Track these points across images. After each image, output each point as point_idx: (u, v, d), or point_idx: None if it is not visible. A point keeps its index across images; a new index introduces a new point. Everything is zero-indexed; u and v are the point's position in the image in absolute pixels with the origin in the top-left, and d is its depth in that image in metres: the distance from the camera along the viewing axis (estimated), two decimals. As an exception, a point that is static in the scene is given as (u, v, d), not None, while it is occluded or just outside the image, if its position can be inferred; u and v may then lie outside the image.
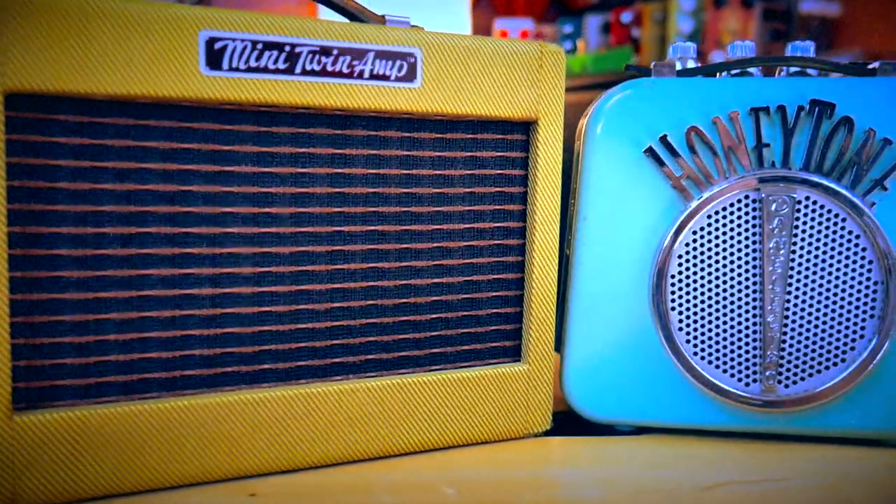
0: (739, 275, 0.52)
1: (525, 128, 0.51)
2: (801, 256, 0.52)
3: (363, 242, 0.47)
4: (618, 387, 0.54)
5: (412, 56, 0.47)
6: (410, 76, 0.47)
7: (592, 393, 0.54)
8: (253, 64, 0.43)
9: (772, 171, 0.51)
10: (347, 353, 0.48)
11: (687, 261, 0.53)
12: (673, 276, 0.53)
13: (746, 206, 0.52)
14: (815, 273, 0.52)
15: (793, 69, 0.54)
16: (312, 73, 0.44)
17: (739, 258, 0.52)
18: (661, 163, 0.52)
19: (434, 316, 0.50)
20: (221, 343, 0.44)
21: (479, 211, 0.51)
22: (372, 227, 0.48)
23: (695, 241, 0.52)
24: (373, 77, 0.46)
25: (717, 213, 0.52)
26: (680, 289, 0.53)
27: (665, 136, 0.52)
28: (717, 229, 0.52)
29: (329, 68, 0.45)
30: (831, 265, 0.51)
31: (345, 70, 0.45)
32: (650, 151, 0.53)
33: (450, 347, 0.51)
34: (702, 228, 0.52)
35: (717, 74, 0.55)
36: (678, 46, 0.57)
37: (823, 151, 0.51)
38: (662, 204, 0.53)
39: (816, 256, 0.51)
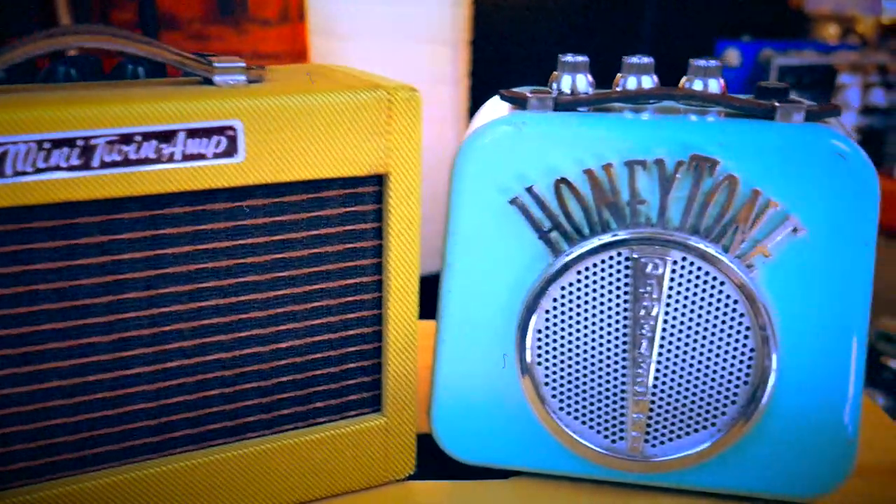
0: (609, 333, 0.49)
1: (376, 180, 0.47)
2: (674, 319, 0.48)
3: (189, 320, 0.45)
4: (485, 433, 0.52)
5: (231, 129, 0.42)
6: (231, 151, 0.43)
7: (460, 436, 0.53)
8: (41, 165, 0.39)
9: (647, 231, 0.47)
10: (187, 425, 0.47)
11: (554, 316, 0.49)
12: (539, 332, 0.50)
13: (619, 264, 0.48)
14: (688, 337, 0.48)
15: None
16: (113, 164, 0.40)
17: (609, 317, 0.49)
18: (528, 214, 0.48)
19: (285, 378, 0.49)
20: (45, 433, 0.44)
21: (326, 271, 0.48)
22: (202, 304, 0.45)
23: (563, 296, 0.49)
24: (186, 158, 0.42)
25: (587, 269, 0.48)
26: (546, 344, 0.50)
27: (532, 187, 0.48)
28: (586, 286, 0.49)
29: (133, 156, 0.41)
30: (706, 329, 0.48)
31: (151, 156, 0.41)
32: (516, 202, 0.48)
33: (301, 407, 0.50)
34: (570, 284, 0.49)
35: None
36: (567, 62, 0.50)
37: (702, 211, 0.46)
38: (530, 256, 0.49)
39: (691, 320, 0.48)
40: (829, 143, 0.45)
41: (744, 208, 0.45)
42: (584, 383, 0.50)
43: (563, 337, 0.50)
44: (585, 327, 0.49)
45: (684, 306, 0.48)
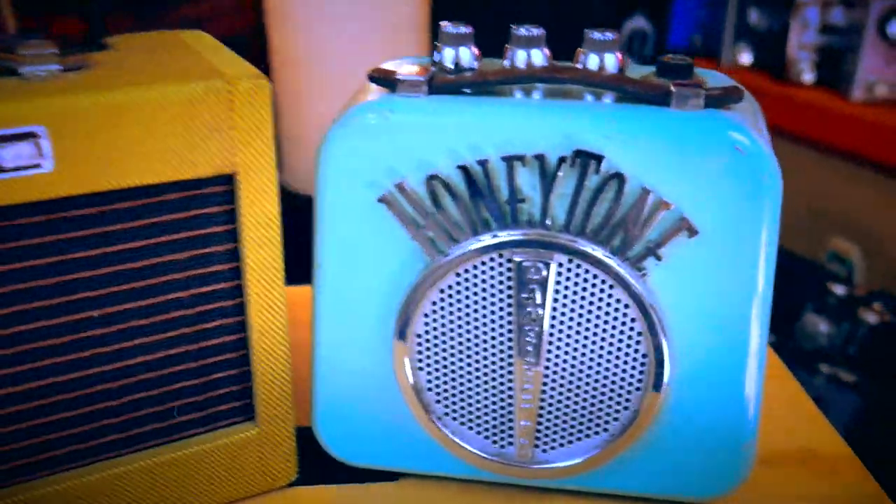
0: (493, 338, 0.45)
1: (223, 180, 0.42)
2: (561, 324, 0.44)
3: (12, 345, 0.40)
4: (370, 435, 0.49)
5: (33, 135, 0.36)
6: (35, 161, 0.37)
7: (344, 439, 0.49)
8: None
9: (529, 232, 0.42)
10: (35, 451, 0.43)
11: (434, 320, 0.45)
12: (419, 336, 0.46)
13: (501, 266, 0.43)
14: (576, 343, 0.44)
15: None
16: None
17: (493, 321, 0.45)
18: (399, 213, 0.43)
19: (140, 395, 0.44)
20: None
21: (173, 280, 0.43)
22: (28, 327, 0.40)
23: (442, 300, 0.45)
24: (-18, 172, 0.36)
25: (466, 271, 0.44)
26: (427, 349, 0.46)
27: (402, 182, 0.43)
28: (467, 289, 0.44)
29: (-88, 174, 0.35)
30: (596, 334, 0.44)
31: (-63, 172, 0.35)
32: (386, 200, 0.43)
33: (161, 423, 0.45)
34: (450, 287, 0.44)
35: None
36: (448, 32, 0.44)
37: (589, 210, 0.41)
38: (406, 256, 0.44)
39: (579, 325, 0.44)
40: (727, 135, 0.40)
41: (633, 209, 0.41)
42: (469, 389, 0.46)
43: (444, 342, 0.46)
44: (468, 332, 0.45)
45: (571, 311, 0.44)
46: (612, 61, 0.44)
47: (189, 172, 0.40)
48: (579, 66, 0.44)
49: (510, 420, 0.47)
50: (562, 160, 0.41)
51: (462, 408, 0.47)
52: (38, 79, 0.38)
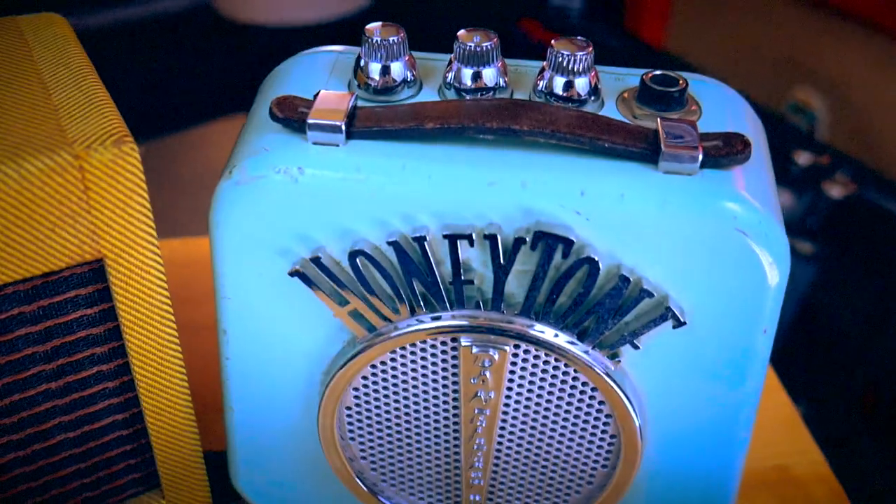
0: (435, 417, 0.38)
1: (89, 266, 0.32)
2: (515, 410, 0.37)
3: None
4: (297, 496, 0.43)
5: None
6: None
7: (267, 495, 0.43)
8: None
9: (478, 315, 0.34)
10: None
11: (366, 394, 0.38)
12: (349, 408, 0.39)
13: (444, 345, 0.36)
14: (533, 428, 0.38)
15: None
16: None
17: (435, 400, 0.38)
18: (316, 288, 0.35)
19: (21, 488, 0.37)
20: None
21: (41, 372, 0.35)
22: None
23: (374, 374, 0.37)
24: None
25: (403, 350, 0.36)
26: (359, 420, 0.39)
27: (318, 257, 0.34)
28: (403, 366, 0.37)
29: None
30: (557, 415, 0.37)
31: None
32: (299, 274, 0.34)
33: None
34: (383, 363, 0.37)
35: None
36: (375, 41, 0.34)
37: (552, 294, 0.33)
38: (327, 329, 0.36)
39: (538, 407, 0.37)
40: (729, 212, 0.31)
41: (608, 296, 0.33)
42: (409, 461, 0.40)
43: (378, 415, 0.39)
44: (406, 408, 0.38)
45: (529, 394, 0.37)
46: (583, 85, 0.34)
47: (37, 268, 0.31)
48: (541, 86, 0.34)
49: (457, 494, 0.41)
50: (520, 241, 0.32)
51: (401, 477, 0.41)
52: None
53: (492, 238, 0.32)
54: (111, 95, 0.32)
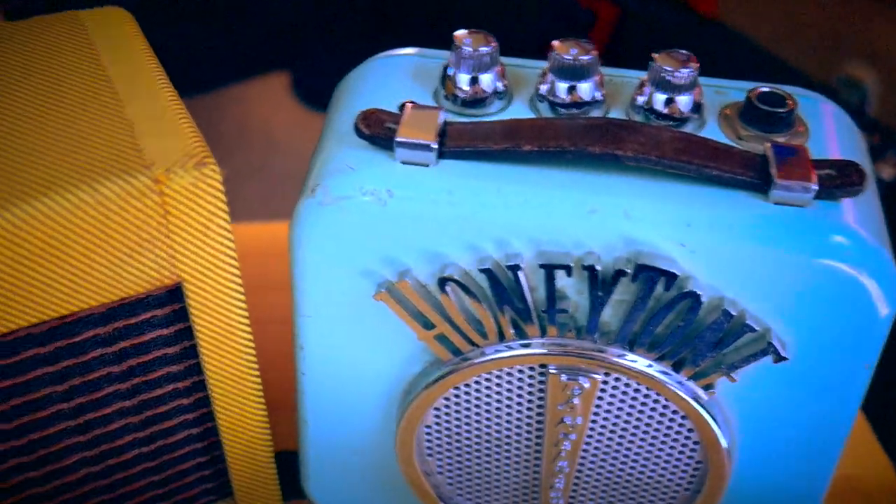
0: (517, 439, 0.37)
1: (167, 290, 0.31)
2: (600, 436, 0.36)
3: None
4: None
5: None
6: None
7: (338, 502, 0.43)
8: None
9: (568, 343, 0.33)
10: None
11: (447, 414, 0.37)
12: (429, 427, 0.37)
13: (530, 376, 0.34)
14: (619, 448, 0.36)
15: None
16: None
17: (518, 423, 0.36)
18: (402, 311, 0.33)
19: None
20: None
21: (116, 391, 0.34)
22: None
23: (457, 395, 0.36)
24: None
25: (486, 377, 0.35)
26: (438, 438, 0.38)
27: (405, 281, 0.32)
28: (487, 389, 0.35)
29: None
30: (643, 441, 0.36)
31: None
32: (384, 298, 0.33)
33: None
34: (467, 385, 0.35)
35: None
36: (467, 52, 0.32)
37: (649, 325, 0.32)
38: (409, 350, 0.35)
39: (623, 432, 0.36)
40: (841, 245, 0.29)
41: (708, 330, 0.31)
42: (487, 479, 0.39)
43: (458, 434, 0.37)
44: (487, 429, 0.37)
45: (614, 424, 0.35)
46: (686, 102, 0.32)
47: (114, 294, 0.30)
48: (640, 101, 0.32)
49: (532, 509, 0.40)
50: (620, 273, 0.30)
51: (479, 494, 0.40)
52: None
53: (590, 269, 0.30)
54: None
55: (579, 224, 0.30)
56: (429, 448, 0.38)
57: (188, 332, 0.33)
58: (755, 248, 0.30)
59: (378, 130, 0.31)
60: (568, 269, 0.30)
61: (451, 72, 0.33)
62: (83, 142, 0.29)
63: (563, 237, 0.30)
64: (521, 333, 0.33)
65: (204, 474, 0.40)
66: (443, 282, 0.32)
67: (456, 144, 0.31)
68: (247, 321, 0.33)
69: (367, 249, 0.32)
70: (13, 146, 0.28)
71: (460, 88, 0.33)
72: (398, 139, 0.31)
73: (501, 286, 0.31)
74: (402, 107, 0.33)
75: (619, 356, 0.33)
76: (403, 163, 0.31)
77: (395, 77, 0.35)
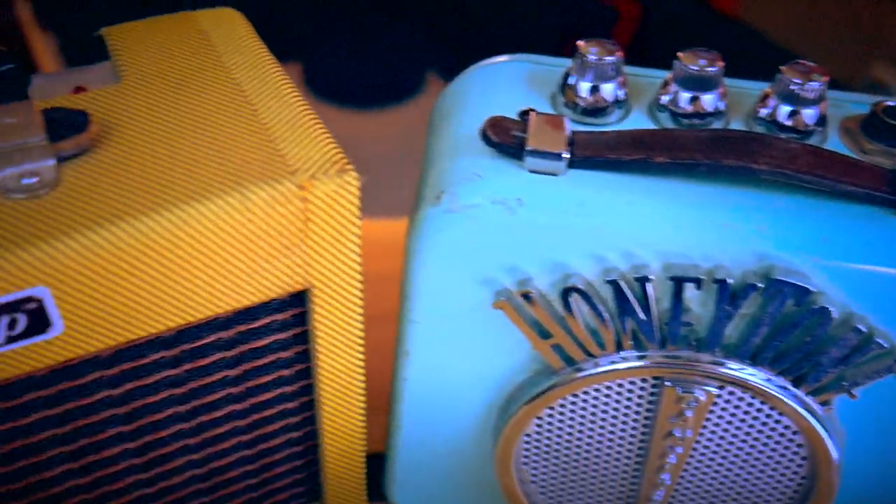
0: (619, 450, 0.37)
1: (298, 298, 0.31)
2: (704, 448, 0.36)
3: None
4: (453, 510, 0.42)
5: (32, 301, 0.25)
6: (40, 327, 0.26)
7: (422, 509, 0.43)
8: None
9: (687, 355, 0.33)
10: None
11: (549, 423, 0.37)
12: (528, 435, 0.37)
13: (641, 388, 0.34)
14: (720, 465, 0.36)
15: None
16: None
17: (622, 435, 0.36)
18: (520, 321, 0.33)
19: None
20: None
21: (229, 395, 0.33)
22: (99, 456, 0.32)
23: (563, 406, 0.36)
24: (-35, 355, 0.25)
25: (595, 389, 0.35)
26: (536, 447, 0.38)
27: (529, 292, 0.32)
28: (595, 400, 0.35)
29: None
30: (750, 454, 0.36)
31: None
32: (504, 307, 0.33)
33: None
34: (574, 395, 0.35)
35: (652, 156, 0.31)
36: (590, 60, 0.32)
37: (772, 339, 0.32)
38: (518, 358, 0.35)
39: (730, 445, 0.36)
40: None
41: (835, 346, 0.31)
42: (582, 489, 0.39)
43: (559, 442, 0.37)
44: (589, 439, 0.37)
45: (721, 437, 0.35)
46: (812, 115, 0.32)
47: (248, 299, 0.29)
48: (763, 113, 0.32)
49: (626, 519, 0.40)
50: (751, 287, 0.30)
51: (570, 503, 0.40)
52: (27, 194, 0.26)
53: (721, 283, 0.30)
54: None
55: (710, 238, 0.30)
56: (525, 456, 0.38)
57: (303, 336, 0.33)
58: (889, 264, 0.29)
59: (506, 138, 0.31)
60: (698, 282, 0.30)
61: (572, 80, 0.33)
62: (226, 147, 0.28)
63: (693, 250, 0.30)
64: (639, 345, 0.33)
65: (297, 478, 0.39)
66: (566, 292, 0.32)
67: (584, 154, 0.31)
68: (362, 326, 0.33)
69: (488, 257, 0.32)
70: (158, 150, 0.28)
71: (581, 97, 0.33)
72: (529, 148, 0.30)
73: (625, 298, 0.31)
74: (522, 114, 0.33)
75: (739, 370, 0.32)
76: (531, 171, 0.31)
77: (505, 84, 0.35)
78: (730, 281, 0.30)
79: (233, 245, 0.27)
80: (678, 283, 0.30)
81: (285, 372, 0.34)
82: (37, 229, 0.25)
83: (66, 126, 0.27)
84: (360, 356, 0.34)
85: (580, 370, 0.34)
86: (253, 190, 0.27)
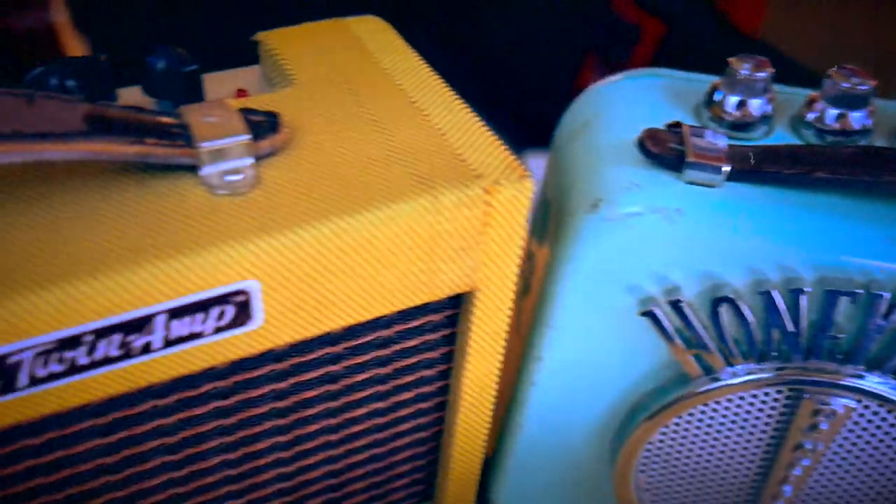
0: (742, 461, 0.38)
1: (455, 300, 0.32)
2: (832, 458, 0.36)
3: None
4: (559, 515, 0.43)
5: (242, 294, 0.26)
6: (242, 319, 0.26)
7: (527, 513, 0.43)
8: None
9: (828, 368, 0.33)
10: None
11: (675, 432, 0.37)
12: (651, 443, 0.38)
13: (776, 400, 0.35)
14: (846, 475, 0.37)
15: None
16: (51, 377, 0.25)
17: (748, 445, 0.37)
18: (664, 329, 0.34)
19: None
20: None
21: (375, 393, 0.34)
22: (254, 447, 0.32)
23: (692, 415, 0.36)
24: (171, 344, 0.26)
25: (729, 400, 0.35)
26: (657, 455, 0.38)
27: (679, 300, 0.33)
28: (726, 411, 0.36)
29: (83, 361, 0.25)
30: (874, 467, 0.37)
31: (114, 353, 0.25)
32: (651, 315, 0.33)
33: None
34: (704, 408, 0.36)
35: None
36: (743, 77, 0.33)
37: (919, 355, 0.33)
38: (653, 365, 0.36)
39: (857, 459, 0.36)
40: None
41: (982, 362, 0.32)
42: (697, 495, 0.40)
43: (680, 451, 0.38)
44: (712, 449, 0.38)
45: (849, 449, 0.36)
46: (860, 118, 0.33)
47: (419, 300, 0.30)
48: (811, 119, 0.34)
49: (738, 528, 0.41)
50: (909, 303, 0.31)
51: (682, 510, 0.41)
52: (231, 191, 0.27)
53: (876, 297, 0.31)
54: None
55: (868, 252, 0.31)
56: (643, 464, 0.39)
57: (451, 338, 0.34)
58: None
59: (664, 150, 0.32)
60: (853, 296, 0.31)
61: (719, 95, 0.34)
62: (409, 150, 0.29)
63: (850, 265, 0.31)
64: (782, 356, 0.34)
65: (416, 477, 0.40)
66: (717, 302, 0.32)
67: (742, 167, 0.32)
68: (507, 330, 0.34)
69: (638, 265, 0.33)
70: (345, 151, 0.29)
71: (728, 112, 0.34)
72: (690, 160, 0.31)
73: (776, 309, 0.32)
74: (671, 126, 0.33)
75: (881, 383, 0.33)
76: (689, 182, 0.32)
77: (646, 97, 0.36)
78: (886, 295, 0.31)
79: (419, 246, 0.28)
80: (833, 296, 0.31)
81: (427, 372, 0.35)
82: (248, 225, 0.26)
83: (260, 126, 0.28)
84: (501, 359, 0.35)
85: (716, 379, 0.35)
86: (444, 193, 0.28)
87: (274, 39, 0.34)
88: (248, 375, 0.30)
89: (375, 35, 0.35)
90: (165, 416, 0.29)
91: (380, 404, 0.35)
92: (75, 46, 1.09)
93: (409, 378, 0.35)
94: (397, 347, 0.33)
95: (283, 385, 0.31)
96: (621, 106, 0.36)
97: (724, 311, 0.33)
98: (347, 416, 0.34)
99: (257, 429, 0.32)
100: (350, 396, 0.33)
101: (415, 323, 0.32)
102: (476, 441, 0.38)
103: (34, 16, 1.07)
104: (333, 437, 0.35)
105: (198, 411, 0.30)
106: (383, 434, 0.36)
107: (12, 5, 0.95)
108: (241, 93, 0.34)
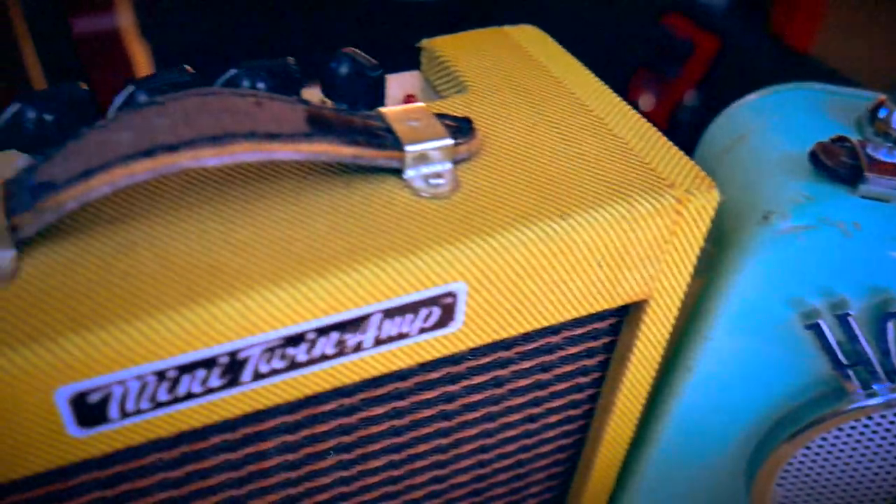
0: (885, 480, 0.37)
1: (622, 309, 0.32)
2: None
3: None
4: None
5: (450, 296, 0.26)
6: (445, 321, 0.27)
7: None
8: (164, 398, 0.24)
9: None
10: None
11: (817, 452, 0.37)
12: (792, 461, 0.38)
13: (935, 412, 0.35)
14: None
15: None
16: (273, 373, 0.25)
17: (881, 468, 0.37)
18: (827, 343, 0.34)
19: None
20: None
21: (534, 399, 0.34)
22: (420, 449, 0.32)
23: (839, 434, 0.36)
24: (380, 343, 0.26)
25: (882, 416, 0.35)
26: (795, 472, 0.38)
27: (847, 314, 0.33)
28: (874, 431, 0.36)
29: (302, 358, 0.25)
30: None
31: (330, 352, 0.25)
32: (816, 329, 0.33)
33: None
34: (857, 420, 0.36)
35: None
36: (916, 96, 0.33)
37: None
38: (803, 380, 0.36)
39: None
40: None
41: None
42: (834, 512, 0.40)
43: (816, 472, 0.38)
44: (851, 469, 0.37)
45: None
46: None
47: (598, 306, 0.30)
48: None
49: (872, 545, 0.40)
50: None
51: (817, 526, 0.40)
52: (433, 194, 0.27)
53: None
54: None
55: None
56: (783, 478, 0.39)
57: (610, 346, 0.34)
58: None
59: (838, 163, 0.32)
60: None
61: (884, 112, 0.34)
62: (597, 158, 0.29)
63: None
64: (944, 373, 0.33)
65: (550, 485, 0.40)
66: (886, 318, 0.32)
67: (917, 183, 0.32)
68: (667, 339, 0.34)
69: (805, 278, 0.33)
70: (536, 158, 0.29)
71: (893, 129, 0.34)
72: (868, 175, 0.31)
73: (949, 326, 0.32)
74: (836, 140, 0.34)
75: None
76: (863, 197, 0.32)
77: (804, 111, 0.36)
78: None
79: (610, 252, 0.28)
80: None
81: (582, 379, 0.35)
82: (456, 228, 0.26)
83: (456, 131, 0.28)
84: (657, 368, 0.35)
85: (873, 395, 0.34)
86: (639, 201, 0.28)
87: (440, 46, 0.35)
88: (426, 378, 0.30)
89: (536, 44, 0.36)
90: (347, 416, 0.30)
91: (535, 409, 0.35)
92: (138, 52, 1.10)
93: (565, 385, 0.35)
94: (562, 353, 0.33)
95: (454, 388, 0.31)
96: (777, 120, 0.36)
97: (892, 327, 0.33)
98: (504, 420, 0.34)
99: (424, 430, 0.32)
100: (510, 401, 0.34)
101: (581, 330, 0.32)
102: (619, 449, 0.38)
103: (100, 19, 1.08)
104: (489, 441, 0.35)
105: (377, 411, 0.30)
106: (531, 440, 0.36)
107: (77, 7, 0.95)
108: (410, 98, 0.34)
